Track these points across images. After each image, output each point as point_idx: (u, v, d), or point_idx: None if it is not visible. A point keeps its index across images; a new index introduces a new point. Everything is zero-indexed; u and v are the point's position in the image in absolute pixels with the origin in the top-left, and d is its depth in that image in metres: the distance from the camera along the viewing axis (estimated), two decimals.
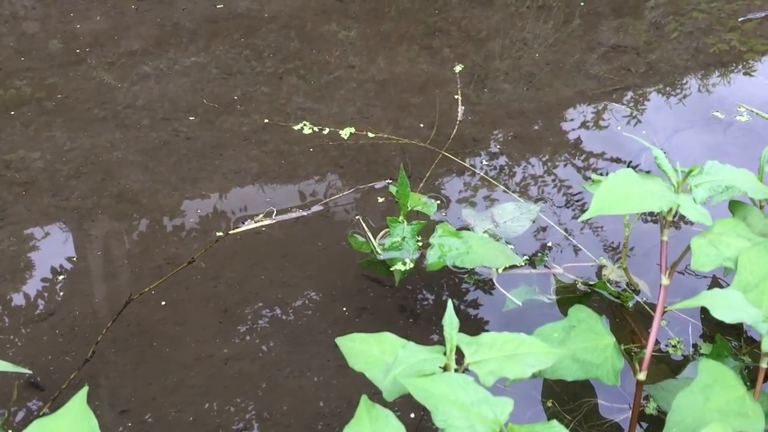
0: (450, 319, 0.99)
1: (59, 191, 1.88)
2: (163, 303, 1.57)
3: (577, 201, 1.81)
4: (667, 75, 2.29)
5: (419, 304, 1.58)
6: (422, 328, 1.51)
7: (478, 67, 2.29)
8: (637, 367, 1.15)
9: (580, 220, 1.05)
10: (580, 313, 1.14)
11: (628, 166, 1.91)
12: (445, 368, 0.97)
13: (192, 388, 1.41)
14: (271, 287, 1.58)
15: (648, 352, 1.14)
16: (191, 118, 2.09)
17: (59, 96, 2.20)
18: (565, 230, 1.71)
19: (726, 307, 0.96)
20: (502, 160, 1.95)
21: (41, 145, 2.02)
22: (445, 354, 0.99)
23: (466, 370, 0.99)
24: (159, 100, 2.19)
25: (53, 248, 1.73)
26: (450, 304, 1.01)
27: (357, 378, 1.37)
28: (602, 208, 1.07)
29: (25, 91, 2.23)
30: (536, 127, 2.07)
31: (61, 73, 2.30)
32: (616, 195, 1.09)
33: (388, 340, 1.06)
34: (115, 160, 1.97)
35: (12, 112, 2.14)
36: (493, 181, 1.87)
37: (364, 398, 0.94)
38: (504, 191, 1.83)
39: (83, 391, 0.90)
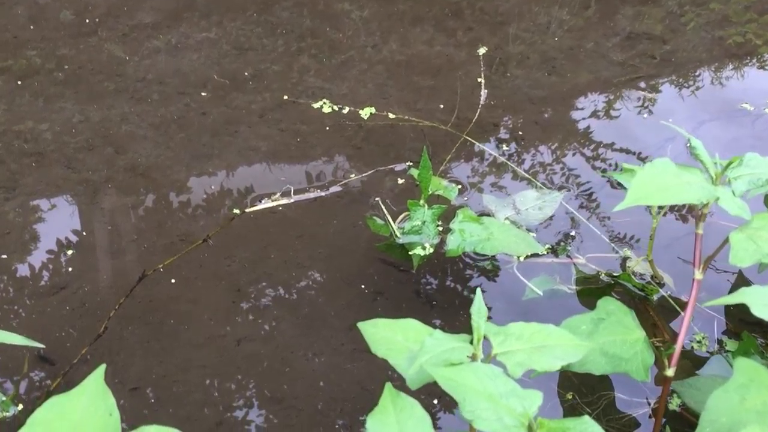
0: (479, 308, 0.95)
1: (71, 163, 1.84)
2: (175, 280, 1.54)
3: (600, 189, 1.77)
4: (690, 64, 2.23)
5: (436, 289, 1.54)
6: (439, 314, 1.48)
7: (497, 50, 2.24)
8: (666, 362, 1.12)
9: (615, 210, 1.01)
10: (609, 305, 1.11)
11: (642, 158, 1.86)
12: (472, 358, 0.94)
13: (203, 368, 1.38)
14: (285, 268, 1.55)
15: (678, 347, 1.11)
16: (203, 93, 2.04)
17: (70, 67, 2.15)
18: (588, 219, 1.67)
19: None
20: (524, 145, 1.91)
21: (51, 117, 1.98)
22: (472, 343, 0.95)
23: (493, 361, 0.96)
24: (170, 74, 2.14)
25: (64, 222, 1.70)
26: (479, 292, 0.97)
27: (371, 362, 1.36)
28: (638, 198, 1.03)
29: (36, 61, 2.18)
30: (558, 114, 2.03)
31: (72, 44, 2.25)
32: (653, 186, 1.05)
33: (413, 327, 1.03)
34: (126, 133, 1.93)
35: (22, 82, 2.09)
36: (514, 167, 1.83)
37: (388, 386, 0.91)
38: (526, 178, 1.79)
39: (101, 369, 0.87)
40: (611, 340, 1.07)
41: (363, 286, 1.51)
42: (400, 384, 0.96)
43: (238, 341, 1.42)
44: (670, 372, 1.11)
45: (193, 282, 1.53)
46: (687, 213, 1.71)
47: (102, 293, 1.52)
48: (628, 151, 1.90)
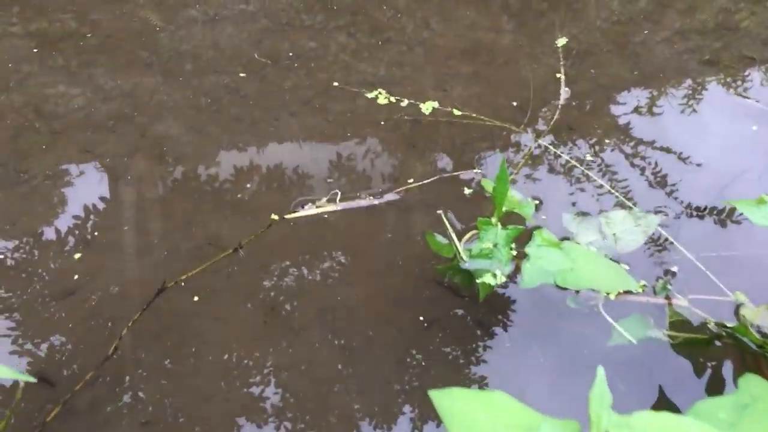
0: (600, 394, 0.71)
1: (87, 146, 1.63)
2: (199, 295, 1.33)
3: (709, 216, 1.49)
4: None
5: (503, 324, 1.30)
6: (501, 354, 1.24)
7: (576, 40, 1.95)
8: None
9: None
10: (754, 386, 0.85)
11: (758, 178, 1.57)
12: None
13: (227, 401, 1.18)
14: (327, 285, 1.35)
15: None
16: (241, 74, 1.81)
17: (103, 34, 1.95)
18: (690, 251, 1.40)
19: None
20: (612, 155, 1.63)
21: (81, 83, 1.77)
22: None
23: None
24: (206, 48, 1.91)
25: (74, 214, 1.49)
26: (601, 373, 0.72)
27: (423, 405, 1.13)
28: None
29: (70, 25, 1.98)
30: (650, 118, 1.74)
31: (106, 10, 2.05)
32: None
33: (502, 404, 0.79)
34: (152, 113, 1.72)
35: (55, 47, 1.89)
36: (601, 180, 1.56)
37: None
38: (614, 195, 1.52)
39: None
40: None
41: (416, 313, 1.30)
42: None
43: (269, 370, 1.24)
44: None
45: (220, 296, 1.33)
46: None
47: (115, 304, 1.31)
48: (740, 167, 1.61)
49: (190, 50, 1.91)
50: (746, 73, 1.87)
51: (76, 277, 1.36)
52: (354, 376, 1.22)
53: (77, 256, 1.40)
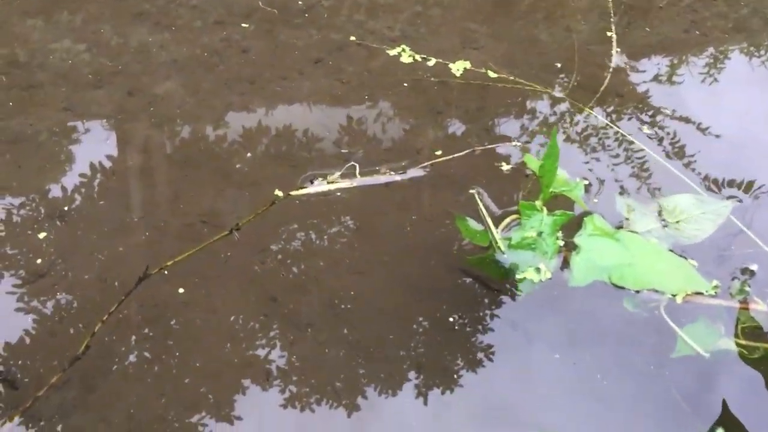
0: None
1: (71, 105, 1.43)
2: (189, 282, 1.17)
3: None
4: None
5: (542, 325, 1.13)
6: (540, 360, 1.07)
7: None
8: None
9: None
10: None
11: None
12: None
13: (217, 410, 1.03)
14: (337, 273, 1.21)
15: None
16: (244, 24, 1.60)
17: None
18: None
19: None
20: (673, 127, 1.42)
21: (87, 38, 1.58)
22: None
23: None
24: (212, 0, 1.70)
25: (49, 181, 1.31)
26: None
27: (449, 420, 0.97)
28: None
29: None
30: (715, 87, 1.52)
31: None
32: None
33: None
34: (143, 69, 1.52)
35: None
36: (660, 158, 1.34)
37: None
38: (677, 175, 1.31)
39: None
40: None
41: (439, 307, 1.16)
42: None
43: (269, 373, 1.08)
44: None
45: (213, 283, 1.18)
46: None
47: (88, 292, 1.15)
48: None
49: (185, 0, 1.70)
50: None
51: (41, 259, 1.19)
52: (367, 383, 1.07)
53: (43, 234, 1.21)
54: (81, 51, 1.57)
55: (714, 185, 1.31)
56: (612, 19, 1.63)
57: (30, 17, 1.64)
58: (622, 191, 1.29)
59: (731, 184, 1.32)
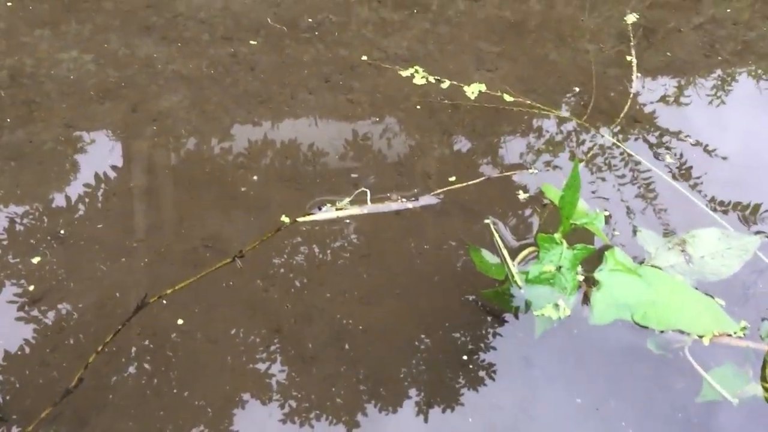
0: None
1: (72, 121, 1.38)
2: (190, 310, 1.11)
3: None
4: None
5: (558, 362, 1.06)
6: (561, 404, 1.00)
7: (641, 17, 1.66)
8: None
9: None
10: None
11: None
12: None
13: None
14: (344, 303, 1.16)
15: None
16: (252, 42, 1.55)
17: None
18: None
19: None
20: (696, 156, 1.36)
21: (94, 49, 1.53)
22: None
23: None
24: (213, 8, 1.65)
25: (46, 202, 1.25)
26: None
27: None
28: None
29: None
30: (740, 114, 1.46)
31: None
32: None
33: None
34: (149, 85, 1.47)
35: (70, 9, 1.65)
36: (683, 190, 1.28)
37: None
38: (702, 208, 1.25)
39: None
40: None
41: (451, 341, 1.11)
42: None
43: (272, 410, 1.02)
44: None
45: (215, 311, 1.13)
46: None
47: (83, 320, 1.09)
48: None
49: (193, 11, 1.65)
50: None
51: (34, 285, 1.12)
52: (376, 420, 1.01)
53: (36, 260, 1.15)
54: (87, 62, 1.52)
55: (741, 219, 1.25)
56: (631, 43, 1.58)
57: (38, 27, 1.60)
58: (644, 224, 1.23)
59: (761, 219, 1.26)
